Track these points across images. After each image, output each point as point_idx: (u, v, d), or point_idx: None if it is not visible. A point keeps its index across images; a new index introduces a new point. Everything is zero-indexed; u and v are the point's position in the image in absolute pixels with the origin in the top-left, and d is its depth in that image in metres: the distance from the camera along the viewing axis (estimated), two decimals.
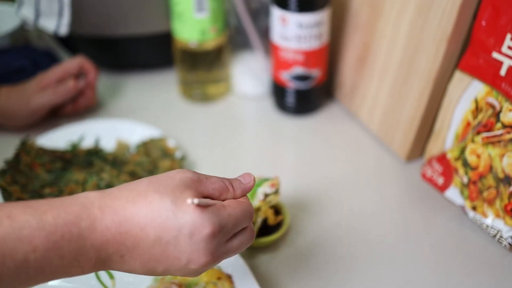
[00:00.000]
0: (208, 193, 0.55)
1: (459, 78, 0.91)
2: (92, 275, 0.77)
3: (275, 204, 0.88)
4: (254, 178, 0.61)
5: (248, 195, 0.70)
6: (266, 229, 0.85)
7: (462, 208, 0.89)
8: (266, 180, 0.81)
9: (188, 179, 0.53)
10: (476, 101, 0.88)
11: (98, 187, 0.89)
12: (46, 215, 0.48)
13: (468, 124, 0.89)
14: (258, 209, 0.81)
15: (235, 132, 1.12)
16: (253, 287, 0.75)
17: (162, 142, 1.01)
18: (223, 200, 0.56)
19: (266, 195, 0.81)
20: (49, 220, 0.48)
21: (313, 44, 1.06)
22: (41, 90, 1.04)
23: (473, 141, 0.87)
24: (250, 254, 0.83)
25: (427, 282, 0.80)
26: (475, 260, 0.83)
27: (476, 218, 0.87)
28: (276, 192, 0.81)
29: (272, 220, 0.83)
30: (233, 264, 0.78)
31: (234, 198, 0.58)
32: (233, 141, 1.10)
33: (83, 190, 0.90)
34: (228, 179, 0.59)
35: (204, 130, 1.12)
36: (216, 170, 1.00)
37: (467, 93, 0.90)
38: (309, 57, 1.08)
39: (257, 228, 0.81)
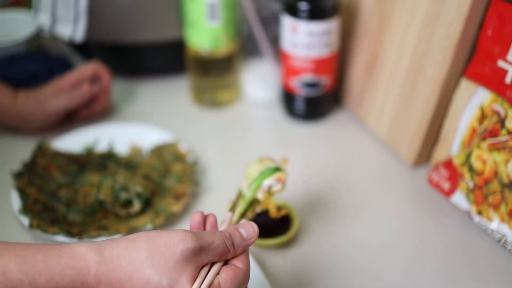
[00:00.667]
0: (209, 261, 0.53)
1: (465, 85, 0.93)
2: None
3: (284, 206, 0.91)
4: (257, 231, 0.59)
5: (252, 187, 0.73)
6: (275, 231, 0.88)
7: (468, 213, 0.91)
8: (273, 171, 0.76)
9: (190, 253, 0.51)
10: (482, 108, 0.90)
11: (113, 189, 0.91)
12: (40, 277, 0.46)
13: (474, 130, 0.92)
14: (258, 202, 0.77)
15: (245, 137, 1.15)
16: (263, 283, 0.77)
17: (174, 146, 1.04)
18: (223, 261, 0.56)
19: (271, 187, 0.77)
20: (42, 283, 0.46)
21: (322, 52, 1.09)
22: (56, 94, 1.07)
23: (478, 147, 0.89)
24: (261, 255, 0.86)
25: (434, 286, 0.82)
26: (480, 264, 0.85)
27: (482, 223, 0.89)
28: (282, 185, 0.77)
29: (274, 213, 0.83)
30: None
31: (235, 256, 0.57)
32: (243, 146, 1.12)
33: (98, 192, 0.93)
34: (231, 237, 0.56)
35: (215, 135, 1.15)
36: (226, 174, 1.02)
37: (473, 100, 0.92)
38: (319, 65, 1.10)
39: (254, 215, 0.78)
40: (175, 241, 0.51)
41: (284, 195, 0.95)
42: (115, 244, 0.51)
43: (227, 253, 0.55)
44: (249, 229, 0.58)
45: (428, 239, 0.90)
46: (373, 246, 0.88)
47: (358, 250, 0.88)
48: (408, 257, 0.86)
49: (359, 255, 0.87)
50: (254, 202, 0.75)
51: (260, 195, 0.75)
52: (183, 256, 0.50)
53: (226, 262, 0.56)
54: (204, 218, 0.61)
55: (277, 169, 0.76)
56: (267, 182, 0.75)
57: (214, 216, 0.63)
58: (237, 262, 0.56)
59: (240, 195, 0.75)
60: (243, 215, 0.74)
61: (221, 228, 0.65)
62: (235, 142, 1.13)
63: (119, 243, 0.51)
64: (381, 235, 0.90)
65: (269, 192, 0.76)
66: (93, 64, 1.09)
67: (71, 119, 1.14)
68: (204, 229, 0.61)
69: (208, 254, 0.53)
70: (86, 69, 1.07)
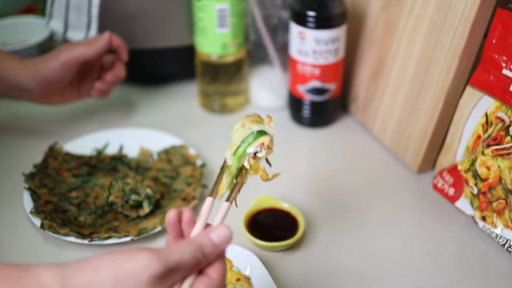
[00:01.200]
0: (179, 278, 0.51)
1: (470, 93, 0.94)
2: None
3: (290, 210, 0.92)
4: (230, 233, 0.57)
5: (235, 157, 0.68)
6: (281, 234, 0.89)
7: (472, 218, 0.93)
8: (256, 137, 0.69)
9: (156, 279, 0.48)
10: (486, 115, 0.91)
11: (123, 192, 0.93)
12: None
13: (479, 137, 0.93)
14: (246, 169, 0.71)
15: None
16: (269, 284, 0.79)
17: (183, 149, 1.06)
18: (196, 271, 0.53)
19: (256, 153, 0.70)
20: None
21: (329, 59, 1.11)
22: (73, 45, 1.00)
23: (483, 153, 0.90)
24: (268, 257, 0.87)
25: None
26: (484, 268, 0.86)
27: (486, 228, 0.90)
28: (268, 150, 0.70)
29: (264, 177, 0.73)
30: (251, 266, 0.82)
31: (209, 264, 0.54)
32: None
33: (109, 194, 0.95)
34: (201, 248, 0.53)
35: (223, 139, 1.16)
36: None
37: (478, 107, 0.93)
38: (326, 72, 1.12)
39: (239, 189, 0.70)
40: (139, 268, 0.47)
41: (290, 199, 0.96)
42: (80, 273, 0.48)
43: (199, 265, 0.52)
44: (221, 232, 0.55)
45: (433, 244, 0.91)
46: (378, 250, 0.90)
47: (363, 254, 0.89)
48: (413, 261, 0.88)
49: (365, 259, 0.88)
50: (242, 170, 0.69)
51: (246, 164, 0.69)
52: (150, 284, 0.47)
53: (200, 271, 0.54)
54: (180, 214, 0.58)
55: (260, 133, 0.69)
56: (250, 150, 0.68)
57: (190, 211, 0.59)
58: (211, 272, 0.53)
59: (225, 166, 0.70)
60: (232, 186, 0.69)
61: (216, 220, 0.61)
62: None
63: (84, 271, 0.48)
64: (386, 240, 0.92)
65: (256, 158, 0.69)
66: (106, 34, 1.03)
67: (83, 91, 1.11)
68: (180, 226, 0.58)
69: (178, 273, 0.50)
70: (99, 37, 1.02)
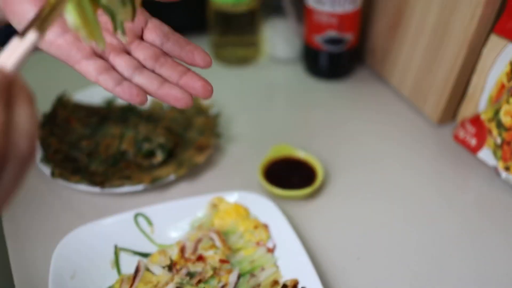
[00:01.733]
0: None
1: (494, 41, 0.91)
2: (132, 221, 0.79)
3: (308, 158, 0.90)
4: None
5: None
6: (300, 183, 0.87)
7: (495, 169, 0.90)
8: None
9: None
10: (511, 64, 0.88)
11: (135, 140, 0.90)
12: None
13: (503, 86, 0.90)
14: None
15: (267, 93, 1.13)
16: (290, 236, 0.76)
17: (196, 99, 1.02)
18: None
19: None
20: None
21: (347, 7, 1.07)
22: None
23: (507, 102, 0.87)
24: (286, 205, 0.85)
25: (461, 240, 0.81)
26: (507, 219, 0.84)
27: (509, 179, 0.87)
28: None
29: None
30: (269, 214, 0.80)
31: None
32: (265, 102, 1.11)
33: (120, 143, 0.92)
34: None
35: (236, 91, 1.13)
36: (248, 127, 1.02)
37: (502, 56, 0.90)
38: (343, 21, 1.08)
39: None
40: None
41: (307, 148, 0.94)
42: None
43: None
44: None
45: (454, 195, 0.89)
46: (398, 202, 0.87)
47: (383, 205, 0.87)
48: (434, 213, 0.85)
49: (384, 210, 0.86)
50: None
51: None
52: None
53: None
54: None
55: None
56: None
57: None
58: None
59: None
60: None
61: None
62: (256, 98, 1.12)
63: None
64: (406, 191, 0.89)
65: None
66: None
67: None
68: None
69: None
70: None
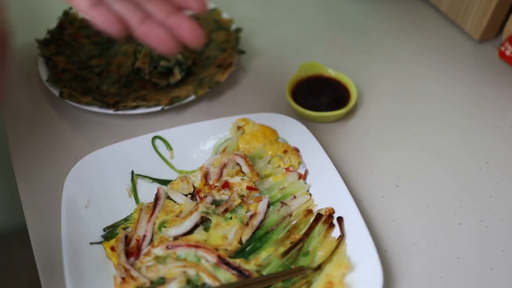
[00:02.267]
0: None
1: None
2: (150, 144, 0.72)
3: (341, 78, 0.82)
4: None
5: None
6: (334, 104, 0.79)
7: None
8: None
9: None
10: None
11: (150, 57, 0.82)
12: None
13: None
14: None
15: (293, 6, 1.03)
16: (323, 161, 0.69)
17: (216, 13, 0.93)
18: None
19: None
20: None
21: None
22: None
23: None
24: (317, 127, 0.77)
25: (507, 165, 0.74)
26: None
27: None
28: None
29: None
30: (300, 136, 0.73)
31: None
32: (290, 16, 1.01)
33: (134, 61, 0.84)
34: None
35: (259, 3, 1.04)
36: (270, 40, 0.93)
37: None
38: None
39: None
40: None
41: (338, 67, 0.85)
42: None
43: None
44: None
45: (500, 117, 0.81)
46: (439, 124, 0.80)
47: (421, 128, 0.79)
48: (479, 136, 0.78)
49: (423, 132, 0.78)
50: None
51: None
52: None
53: None
54: None
55: None
56: None
57: None
58: None
59: None
60: None
61: None
62: (282, 11, 1.02)
63: None
64: (447, 114, 0.82)
65: None
66: None
67: None
68: None
69: None
70: None
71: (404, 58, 0.91)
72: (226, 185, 0.67)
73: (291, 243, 0.63)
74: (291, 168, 0.71)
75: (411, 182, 0.72)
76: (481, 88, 0.86)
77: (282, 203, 0.66)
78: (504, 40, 0.88)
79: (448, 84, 0.86)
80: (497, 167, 0.74)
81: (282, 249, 0.62)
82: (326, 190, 0.68)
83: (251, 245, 0.63)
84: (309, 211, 0.66)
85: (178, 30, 0.48)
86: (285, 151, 0.72)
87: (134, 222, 0.65)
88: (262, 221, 0.65)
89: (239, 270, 0.60)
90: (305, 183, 0.69)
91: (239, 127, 0.74)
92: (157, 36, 0.48)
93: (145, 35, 0.48)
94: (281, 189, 0.69)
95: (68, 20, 0.93)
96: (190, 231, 0.63)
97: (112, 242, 0.63)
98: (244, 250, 0.63)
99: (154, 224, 0.64)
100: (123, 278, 0.59)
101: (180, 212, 0.65)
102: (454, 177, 0.73)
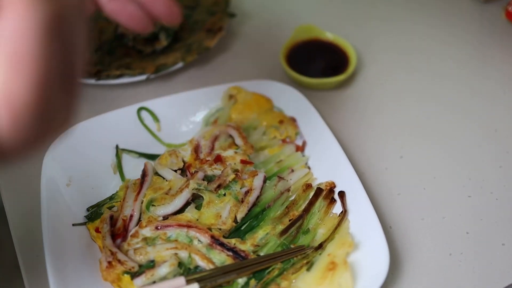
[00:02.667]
0: None
1: None
2: (135, 116, 0.67)
3: (339, 42, 0.76)
4: None
5: None
6: (332, 69, 0.74)
7: None
8: None
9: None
10: None
11: None
12: None
13: None
14: None
15: None
16: (322, 131, 0.64)
17: None
18: None
19: None
20: None
21: None
22: None
23: None
24: (315, 95, 0.72)
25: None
26: None
27: None
28: None
29: None
30: (297, 105, 0.68)
31: None
32: None
33: (116, 27, 0.78)
34: None
35: None
36: (265, 7, 0.87)
37: None
38: None
39: None
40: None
41: (335, 29, 0.80)
42: None
43: None
44: None
45: (506, 79, 0.76)
46: (440, 91, 0.75)
47: (426, 95, 0.75)
48: (485, 102, 0.74)
49: (428, 99, 0.74)
50: None
51: None
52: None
53: None
54: None
55: None
56: None
57: None
58: None
59: None
60: None
61: None
62: None
63: None
64: (449, 78, 0.77)
65: None
66: None
67: None
68: None
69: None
70: None
71: (406, 19, 0.86)
72: (218, 159, 0.62)
73: (289, 220, 0.59)
74: (287, 140, 0.66)
75: (416, 153, 0.67)
76: (487, 50, 0.81)
77: (279, 177, 0.62)
78: (510, 0, 0.83)
79: (453, 46, 0.81)
80: (506, 135, 0.69)
81: (280, 227, 0.58)
82: (326, 162, 0.63)
83: (247, 224, 0.59)
84: (308, 186, 0.62)
85: (151, 6, 0.43)
86: (281, 121, 0.67)
87: (120, 201, 0.60)
88: (258, 197, 0.60)
89: (234, 251, 0.56)
90: (303, 156, 0.65)
91: (231, 96, 0.69)
92: (128, 13, 0.42)
93: (116, 12, 0.42)
94: (278, 162, 0.64)
95: None
96: (181, 210, 0.59)
97: (97, 223, 0.58)
98: (240, 229, 0.58)
99: (142, 202, 0.59)
100: (109, 262, 0.54)
101: (170, 189, 0.60)
102: (461, 147, 0.68)
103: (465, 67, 0.78)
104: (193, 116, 0.69)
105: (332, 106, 0.72)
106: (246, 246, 0.57)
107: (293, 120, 0.67)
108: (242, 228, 0.59)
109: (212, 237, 0.56)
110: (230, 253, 0.55)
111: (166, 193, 0.60)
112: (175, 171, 0.62)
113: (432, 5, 0.89)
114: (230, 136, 0.65)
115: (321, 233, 0.58)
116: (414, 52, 0.80)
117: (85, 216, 0.59)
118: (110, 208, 0.60)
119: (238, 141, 0.64)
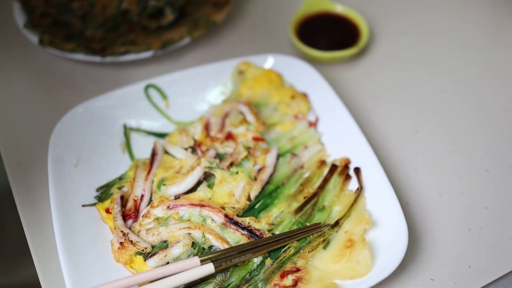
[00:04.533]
0: None
1: None
2: (142, 94, 0.65)
3: (348, 14, 0.74)
4: None
5: None
6: (344, 43, 0.72)
7: None
8: None
9: None
10: None
11: None
12: None
13: None
14: None
15: None
16: (335, 106, 0.63)
17: None
18: None
19: None
20: None
21: None
22: None
23: None
24: (326, 69, 0.71)
25: None
26: None
27: None
28: None
29: None
30: (308, 80, 0.66)
31: None
32: None
33: (120, 2, 0.76)
34: None
35: None
36: None
37: None
38: None
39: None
40: None
41: (351, 3, 0.77)
42: None
43: None
44: None
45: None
46: (454, 65, 0.73)
47: (438, 68, 0.73)
48: (501, 70, 0.72)
49: (440, 73, 0.72)
50: None
51: None
52: None
53: None
54: None
55: None
56: None
57: None
58: None
59: None
60: None
61: None
62: None
63: None
64: (465, 50, 0.75)
65: None
66: None
67: None
68: None
69: None
70: None
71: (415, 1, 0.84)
72: (229, 137, 0.61)
73: (304, 198, 0.57)
74: (300, 115, 0.64)
75: (432, 127, 0.66)
76: (503, 21, 0.79)
77: (293, 154, 0.60)
78: None
79: (468, 18, 0.79)
80: None
81: (295, 205, 0.57)
82: (340, 138, 0.61)
83: (261, 202, 0.57)
84: (322, 162, 0.60)
85: None
86: (292, 97, 0.65)
87: (130, 181, 0.59)
88: (271, 175, 0.59)
89: (249, 230, 0.54)
90: (316, 132, 0.63)
91: (240, 72, 0.67)
92: None
93: None
94: (291, 138, 0.62)
95: None
96: (193, 189, 0.57)
97: (107, 203, 0.57)
98: (254, 208, 0.57)
99: (152, 182, 0.58)
100: (121, 243, 0.53)
101: (181, 168, 0.59)
102: (478, 120, 0.67)
103: (480, 38, 0.77)
104: (202, 92, 0.67)
105: (344, 80, 0.70)
106: (260, 224, 0.55)
107: (304, 95, 0.65)
108: (256, 206, 0.57)
109: (226, 216, 0.55)
110: (245, 232, 0.54)
111: (177, 172, 0.58)
112: (186, 149, 0.61)
113: None
114: (241, 112, 0.63)
115: (337, 211, 0.56)
116: (428, 24, 0.78)
117: (94, 197, 0.58)
118: (120, 188, 0.58)
119: (249, 117, 0.62)
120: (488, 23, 0.79)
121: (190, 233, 0.54)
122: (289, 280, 0.51)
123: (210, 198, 0.57)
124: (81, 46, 0.71)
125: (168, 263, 0.52)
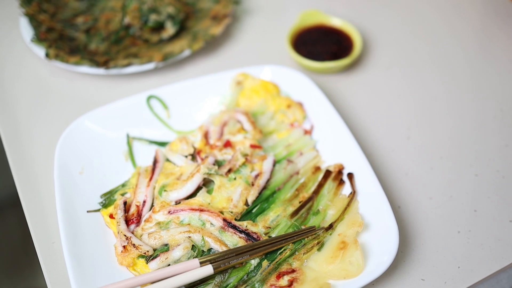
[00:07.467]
0: None
1: None
2: (144, 104, 0.68)
3: (343, 27, 0.77)
4: None
5: None
6: (338, 54, 0.75)
7: None
8: None
9: None
10: None
11: (140, 12, 0.77)
12: None
13: None
14: None
15: None
16: (329, 114, 0.65)
17: None
18: None
19: None
20: None
21: None
22: None
23: None
24: (321, 79, 0.73)
25: None
26: None
27: None
28: None
29: None
30: (304, 89, 0.68)
31: None
32: None
33: (124, 15, 0.79)
34: None
35: None
36: None
37: None
38: None
39: None
40: None
41: (341, 14, 0.80)
42: None
43: None
44: None
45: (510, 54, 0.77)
46: (446, 73, 0.76)
47: (430, 77, 0.75)
48: (490, 79, 0.74)
49: (431, 82, 0.74)
50: None
51: None
52: None
53: None
54: None
55: None
56: None
57: None
58: None
59: None
60: None
61: None
62: None
63: None
64: (456, 59, 0.77)
65: None
66: None
67: None
68: None
69: None
70: None
71: (411, 2, 0.86)
72: (228, 144, 0.63)
73: (300, 202, 0.60)
74: (295, 124, 0.67)
75: (423, 133, 0.68)
76: (492, 31, 0.82)
77: (288, 160, 0.63)
78: None
79: (458, 28, 0.82)
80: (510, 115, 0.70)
81: (290, 209, 0.59)
82: (334, 145, 0.64)
83: (258, 206, 0.60)
84: (317, 168, 0.62)
85: None
86: (288, 106, 0.67)
87: (132, 187, 0.61)
88: (268, 180, 0.61)
89: (246, 233, 0.57)
90: (311, 139, 0.66)
91: (238, 82, 0.70)
92: None
93: None
94: (287, 146, 0.65)
95: None
96: (193, 194, 0.60)
97: (110, 209, 0.59)
98: (251, 212, 0.60)
99: (154, 188, 0.61)
100: (124, 247, 0.55)
101: (181, 174, 0.62)
102: (467, 126, 0.69)
103: (471, 48, 0.79)
104: (201, 102, 0.69)
105: (338, 90, 0.73)
106: (257, 228, 0.58)
107: (300, 104, 0.68)
108: (253, 210, 0.60)
109: (224, 220, 0.57)
110: (243, 235, 0.57)
111: (178, 179, 0.61)
112: (186, 156, 0.63)
113: None
114: (239, 121, 0.65)
115: (331, 214, 0.59)
116: (420, 35, 0.81)
117: (99, 203, 0.60)
118: (123, 194, 0.61)
119: (247, 126, 0.65)
120: (478, 33, 0.81)
121: (190, 237, 0.56)
122: (284, 280, 0.54)
123: (209, 203, 0.59)
124: (85, 59, 0.73)
125: (169, 265, 0.55)
